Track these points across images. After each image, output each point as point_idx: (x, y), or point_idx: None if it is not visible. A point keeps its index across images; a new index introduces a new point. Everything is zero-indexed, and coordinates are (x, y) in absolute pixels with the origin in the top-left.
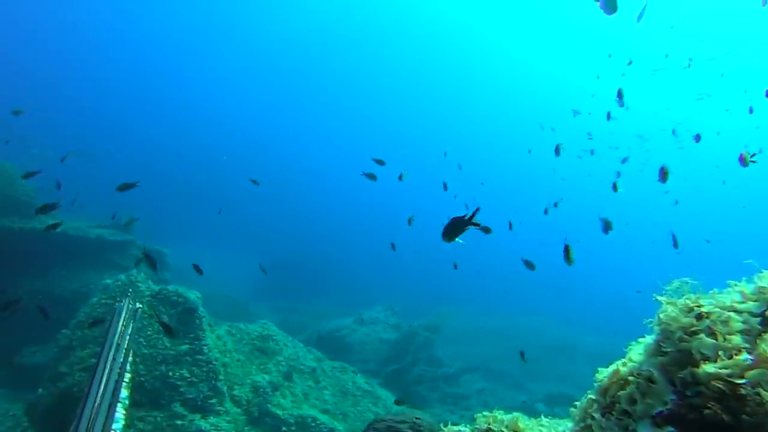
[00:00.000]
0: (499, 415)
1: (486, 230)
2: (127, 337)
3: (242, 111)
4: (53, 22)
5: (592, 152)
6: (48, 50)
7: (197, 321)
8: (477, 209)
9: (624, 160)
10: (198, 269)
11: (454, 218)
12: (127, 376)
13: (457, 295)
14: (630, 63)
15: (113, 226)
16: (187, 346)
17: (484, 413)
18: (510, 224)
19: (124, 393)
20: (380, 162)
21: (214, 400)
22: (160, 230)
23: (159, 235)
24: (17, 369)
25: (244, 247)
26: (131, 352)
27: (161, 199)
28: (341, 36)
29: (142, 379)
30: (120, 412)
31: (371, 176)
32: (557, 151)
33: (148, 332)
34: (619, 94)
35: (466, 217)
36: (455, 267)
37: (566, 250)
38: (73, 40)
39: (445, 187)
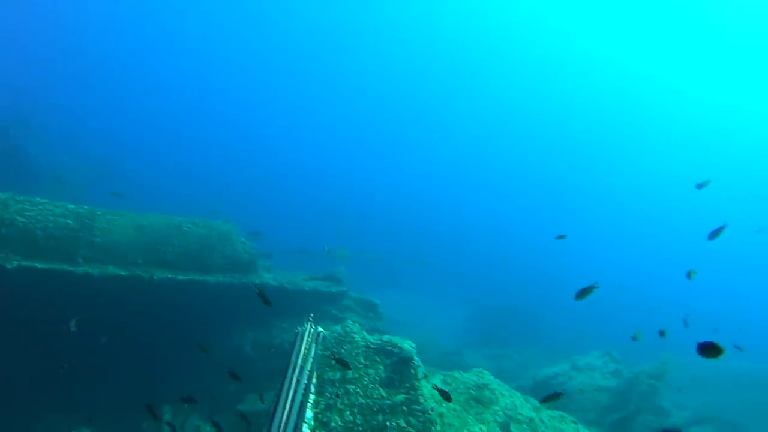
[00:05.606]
0: None
1: None
2: (311, 359)
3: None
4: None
5: None
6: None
7: (412, 371)
8: None
9: None
10: None
11: None
12: (311, 397)
13: (682, 341)
14: None
15: (326, 278)
16: (403, 395)
17: None
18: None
19: (309, 414)
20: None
21: None
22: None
23: (366, 284)
24: (240, 416)
25: (449, 292)
26: (315, 373)
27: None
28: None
29: (360, 429)
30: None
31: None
32: None
33: (365, 382)
34: None
35: None
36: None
37: None
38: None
39: None
